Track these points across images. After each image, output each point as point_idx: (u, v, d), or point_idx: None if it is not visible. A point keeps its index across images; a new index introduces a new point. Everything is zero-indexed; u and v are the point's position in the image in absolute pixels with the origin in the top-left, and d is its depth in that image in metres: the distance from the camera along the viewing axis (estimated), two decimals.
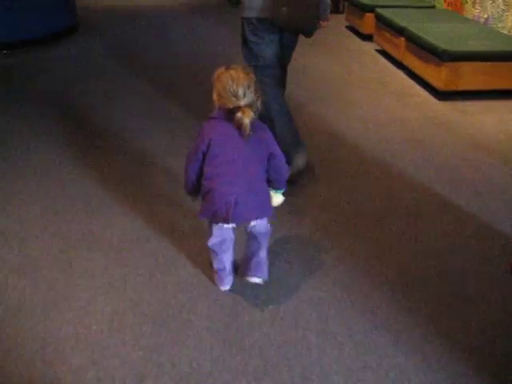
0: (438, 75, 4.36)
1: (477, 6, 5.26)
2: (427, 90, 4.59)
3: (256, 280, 2.13)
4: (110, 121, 3.85)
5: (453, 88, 4.41)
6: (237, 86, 1.87)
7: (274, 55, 2.88)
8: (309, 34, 2.85)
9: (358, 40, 6.20)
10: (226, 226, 2.02)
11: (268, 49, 2.85)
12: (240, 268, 2.23)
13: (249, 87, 1.89)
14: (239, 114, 1.85)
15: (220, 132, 1.92)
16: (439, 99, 4.42)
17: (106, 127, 3.74)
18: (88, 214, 2.71)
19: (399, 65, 5.16)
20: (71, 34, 6.11)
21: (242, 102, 1.87)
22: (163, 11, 7.64)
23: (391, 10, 5.62)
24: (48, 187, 2.97)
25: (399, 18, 5.25)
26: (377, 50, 5.75)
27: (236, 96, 1.87)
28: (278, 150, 2.01)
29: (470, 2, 5.38)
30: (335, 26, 6.88)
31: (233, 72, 1.90)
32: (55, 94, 4.35)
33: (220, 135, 1.92)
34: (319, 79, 4.84)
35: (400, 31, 5.04)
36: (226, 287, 2.20)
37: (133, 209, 2.76)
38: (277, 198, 2.16)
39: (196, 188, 2.05)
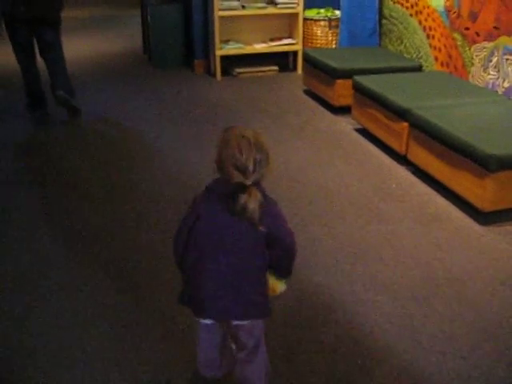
0: (480, 190, 2.89)
1: (491, 71, 3.89)
2: (457, 205, 3.12)
3: None
4: None
5: (501, 207, 2.96)
6: (247, 160, 1.50)
7: (25, 36, 4.21)
8: (53, 25, 4.28)
9: (327, 114, 4.69)
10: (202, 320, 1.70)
11: (19, 31, 4.16)
12: None
13: (261, 161, 1.52)
14: (244, 198, 1.48)
15: (211, 208, 1.58)
16: (481, 223, 2.95)
17: None
18: None
19: (399, 158, 3.69)
20: None
21: (249, 181, 1.50)
22: None
23: (373, 77, 4.17)
24: None
25: (392, 91, 3.79)
26: (357, 130, 4.27)
27: (244, 172, 1.50)
28: (283, 232, 1.61)
29: (478, 65, 4.01)
30: (290, 91, 5.36)
31: (244, 141, 1.52)
32: None
33: (210, 212, 1.58)
34: (300, 196, 3.26)
35: (400, 114, 3.58)
36: None
37: None
38: (278, 287, 1.73)
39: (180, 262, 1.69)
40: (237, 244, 1.57)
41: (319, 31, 5.79)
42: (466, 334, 2.15)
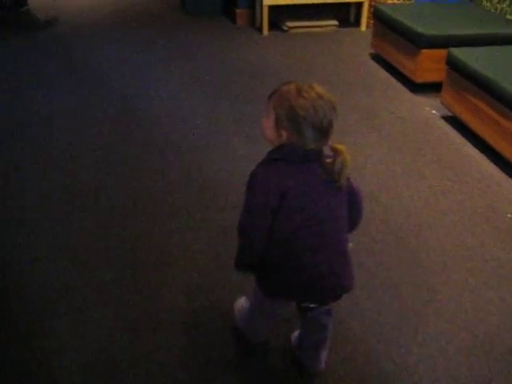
0: None
1: None
2: None
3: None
4: None
5: None
6: (329, 121, 1.33)
7: None
8: None
9: (405, 92, 3.67)
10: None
11: None
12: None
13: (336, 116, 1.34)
14: (340, 160, 1.33)
15: (298, 180, 1.37)
16: None
17: None
18: None
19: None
20: None
21: (327, 142, 1.36)
22: (88, 26, 4.91)
23: (475, 51, 3.13)
24: None
25: (508, 76, 2.78)
26: (446, 119, 3.28)
27: (327, 135, 1.34)
28: (355, 185, 1.48)
29: None
30: (354, 56, 4.32)
31: (318, 98, 1.31)
32: None
33: (299, 185, 1.36)
34: (378, 227, 2.34)
35: None
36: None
37: None
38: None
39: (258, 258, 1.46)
40: (332, 211, 1.42)
41: None
42: None
